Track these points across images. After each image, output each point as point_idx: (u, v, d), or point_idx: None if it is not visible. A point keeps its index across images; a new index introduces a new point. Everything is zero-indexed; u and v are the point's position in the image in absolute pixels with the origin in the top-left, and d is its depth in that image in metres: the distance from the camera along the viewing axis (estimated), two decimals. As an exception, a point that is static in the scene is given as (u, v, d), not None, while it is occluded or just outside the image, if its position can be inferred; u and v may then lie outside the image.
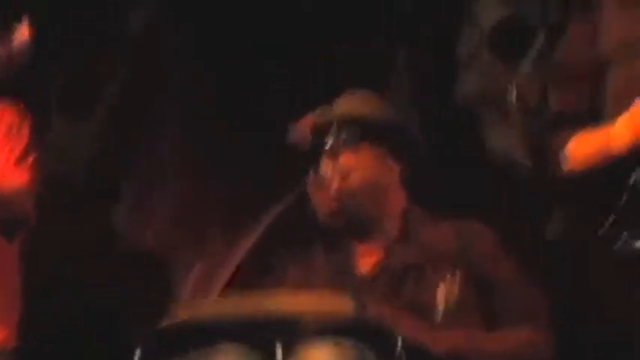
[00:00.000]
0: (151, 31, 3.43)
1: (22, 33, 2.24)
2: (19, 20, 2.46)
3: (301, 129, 2.19)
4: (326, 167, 2.01)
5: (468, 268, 1.97)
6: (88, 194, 3.35)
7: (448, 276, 1.83)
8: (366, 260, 2.04)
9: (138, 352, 1.69)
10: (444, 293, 1.74)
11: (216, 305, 1.84)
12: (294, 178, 3.33)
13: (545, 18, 3.60)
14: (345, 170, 2.02)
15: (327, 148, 2.03)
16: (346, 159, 2.03)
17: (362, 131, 2.08)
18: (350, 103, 2.17)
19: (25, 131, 2.62)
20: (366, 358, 1.64)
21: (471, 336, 1.86)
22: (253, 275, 2.30)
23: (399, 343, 1.58)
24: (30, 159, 2.60)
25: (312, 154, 2.14)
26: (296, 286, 2.03)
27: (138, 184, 3.40)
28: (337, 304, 1.64)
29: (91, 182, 3.37)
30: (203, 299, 2.00)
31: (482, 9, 3.68)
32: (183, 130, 3.39)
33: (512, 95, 3.52)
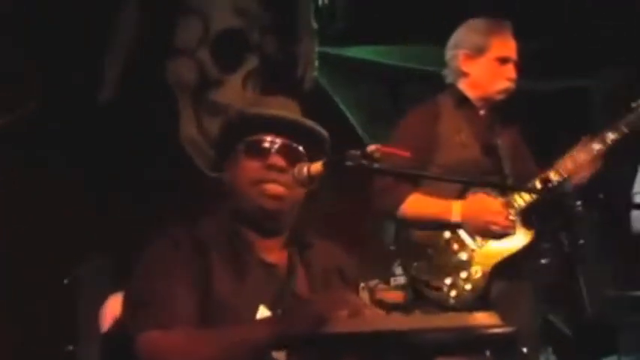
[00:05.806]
0: None
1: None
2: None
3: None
4: (296, 168, 1.99)
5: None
6: None
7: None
8: (267, 255, 2.05)
9: None
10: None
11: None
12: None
13: (262, 45, 3.97)
14: (304, 180, 2.00)
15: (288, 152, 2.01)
16: (313, 169, 2.00)
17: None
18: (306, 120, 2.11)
19: None
20: None
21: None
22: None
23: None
24: None
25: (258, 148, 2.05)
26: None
27: None
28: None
29: None
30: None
31: (216, 10, 3.91)
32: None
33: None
